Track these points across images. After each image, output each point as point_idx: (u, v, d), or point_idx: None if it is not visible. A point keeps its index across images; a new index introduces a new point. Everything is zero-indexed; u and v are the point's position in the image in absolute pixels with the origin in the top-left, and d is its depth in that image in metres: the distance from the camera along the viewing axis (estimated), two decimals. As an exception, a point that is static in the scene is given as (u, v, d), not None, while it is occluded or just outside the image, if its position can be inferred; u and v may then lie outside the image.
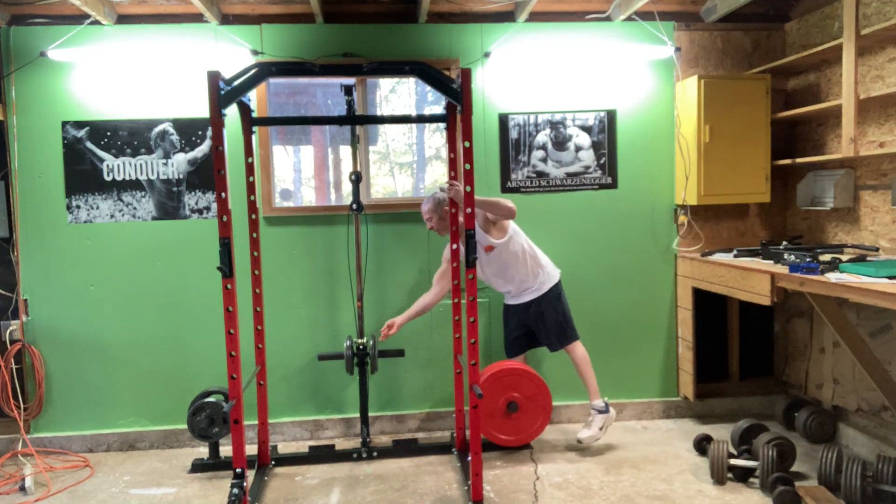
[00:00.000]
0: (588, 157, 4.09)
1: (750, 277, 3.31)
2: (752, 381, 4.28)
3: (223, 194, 2.76)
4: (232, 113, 3.30)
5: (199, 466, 3.58)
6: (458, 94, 2.91)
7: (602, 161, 4.09)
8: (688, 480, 3.32)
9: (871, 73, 3.49)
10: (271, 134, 3.98)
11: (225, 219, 2.77)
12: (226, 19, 3.86)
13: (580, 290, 4.06)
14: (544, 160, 4.06)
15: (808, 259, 3.13)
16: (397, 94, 4.97)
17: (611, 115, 4.07)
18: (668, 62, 4.07)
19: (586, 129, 4.07)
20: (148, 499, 3.29)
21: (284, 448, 3.83)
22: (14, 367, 3.77)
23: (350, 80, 3.62)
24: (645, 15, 3.92)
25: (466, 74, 2.85)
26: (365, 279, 3.89)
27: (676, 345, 4.18)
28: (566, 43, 3.99)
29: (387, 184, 5.33)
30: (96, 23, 3.70)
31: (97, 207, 3.84)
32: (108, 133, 3.82)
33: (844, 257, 3.21)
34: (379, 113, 4.70)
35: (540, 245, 3.79)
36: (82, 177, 3.82)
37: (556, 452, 3.71)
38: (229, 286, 2.83)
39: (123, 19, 3.80)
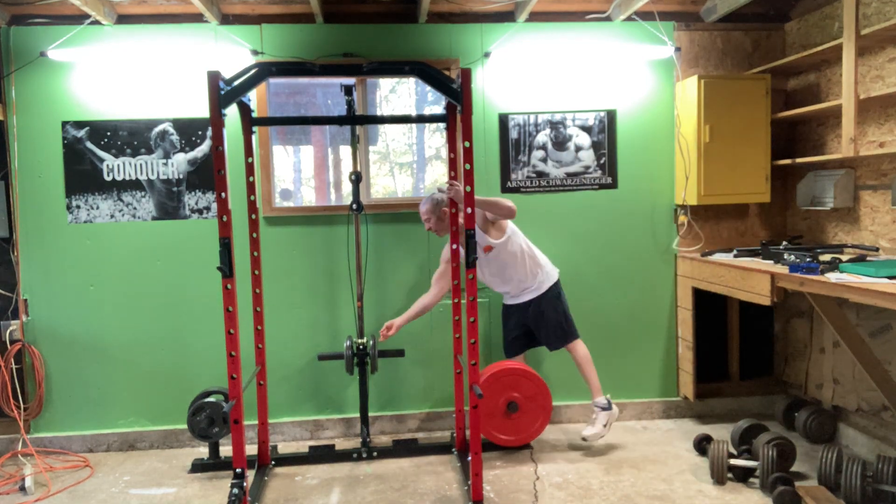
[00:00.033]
0: (588, 157, 4.09)
1: (750, 277, 3.31)
2: (752, 381, 4.28)
3: (223, 194, 2.76)
4: (232, 113, 3.30)
5: (199, 466, 3.58)
6: (458, 94, 2.91)
7: (602, 161, 4.09)
8: (688, 480, 3.32)
9: (871, 73, 3.49)
10: (271, 134, 3.98)
11: (225, 219, 2.77)
12: (226, 19, 3.86)
13: (580, 291, 4.06)
14: (544, 160, 4.06)
15: (808, 259, 3.13)
16: (397, 94, 4.98)
17: (611, 115, 4.07)
18: (668, 62, 4.08)
19: (586, 129, 4.07)
20: (148, 499, 3.29)
21: (284, 448, 3.83)
22: (14, 367, 3.77)
23: (350, 80, 3.62)
24: (645, 15, 3.92)
25: (466, 74, 2.85)
26: (365, 279, 3.89)
27: (676, 345, 4.18)
28: (566, 43, 3.99)
29: (387, 184, 5.34)
30: (96, 23, 3.70)
31: (97, 207, 3.84)
32: (108, 133, 3.82)
33: (844, 257, 3.21)
34: (379, 113, 4.70)
35: (540, 245, 3.79)
36: (82, 177, 3.82)
37: (556, 452, 3.71)
38: (229, 286, 2.83)
39: (123, 19, 3.80)
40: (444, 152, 3.95)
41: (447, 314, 3.85)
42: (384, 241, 4.00)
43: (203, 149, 3.88)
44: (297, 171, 4.93)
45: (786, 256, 3.31)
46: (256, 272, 3.45)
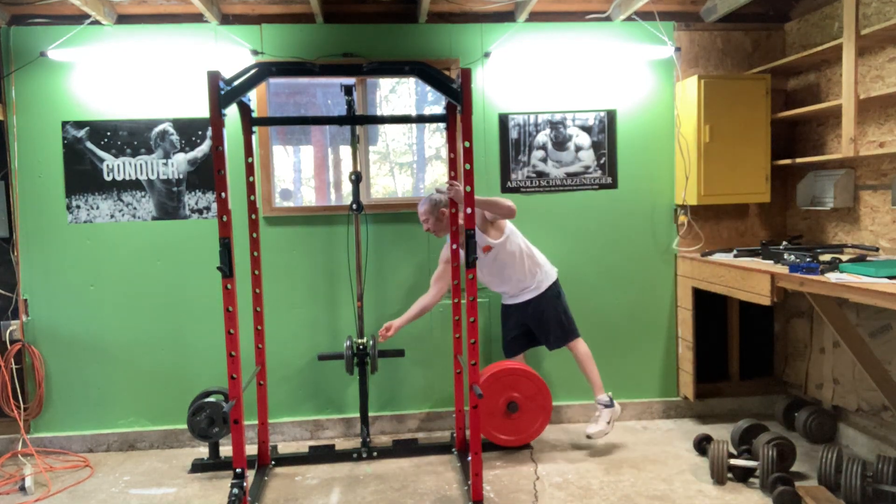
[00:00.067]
0: (588, 157, 4.09)
1: (750, 277, 3.31)
2: (752, 381, 4.28)
3: (223, 194, 2.76)
4: (232, 113, 3.30)
5: (199, 466, 3.58)
6: (458, 94, 2.91)
7: (602, 161, 4.09)
8: (688, 480, 3.32)
9: (871, 73, 3.49)
10: (271, 134, 3.98)
11: (225, 219, 2.77)
12: (226, 19, 3.86)
13: (580, 291, 4.06)
14: (544, 160, 4.06)
15: (808, 259, 3.13)
16: (397, 94, 4.98)
17: (611, 115, 4.07)
18: (668, 62, 4.07)
19: (586, 129, 4.07)
20: (148, 499, 3.29)
21: (284, 448, 3.83)
22: (14, 367, 3.77)
23: (350, 80, 3.62)
24: (645, 15, 3.92)
25: (466, 74, 2.85)
26: (365, 279, 3.89)
27: (676, 345, 4.18)
28: (566, 43, 3.99)
29: (387, 184, 5.34)
30: (96, 23, 3.70)
31: (97, 207, 3.84)
32: (108, 133, 3.82)
33: (844, 257, 3.21)
34: (379, 113, 4.70)
35: (540, 245, 3.79)
36: (82, 177, 3.82)
37: (556, 452, 3.71)
38: (229, 286, 2.83)
39: (123, 19, 3.80)
40: (444, 152, 3.95)
41: (447, 314, 3.85)
42: (384, 241, 4.00)
43: (203, 149, 3.88)
44: (297, 171, 4.93)
45: (786, 256, 3.31)
46: (256, 272, 3.45)
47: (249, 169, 3.38)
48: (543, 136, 4.05)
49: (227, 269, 2.79)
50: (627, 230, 4.13)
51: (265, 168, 3.90)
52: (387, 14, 3.96)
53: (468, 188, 2.87)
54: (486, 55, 3.96)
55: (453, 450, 3.69)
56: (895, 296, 2.50)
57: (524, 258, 3.65)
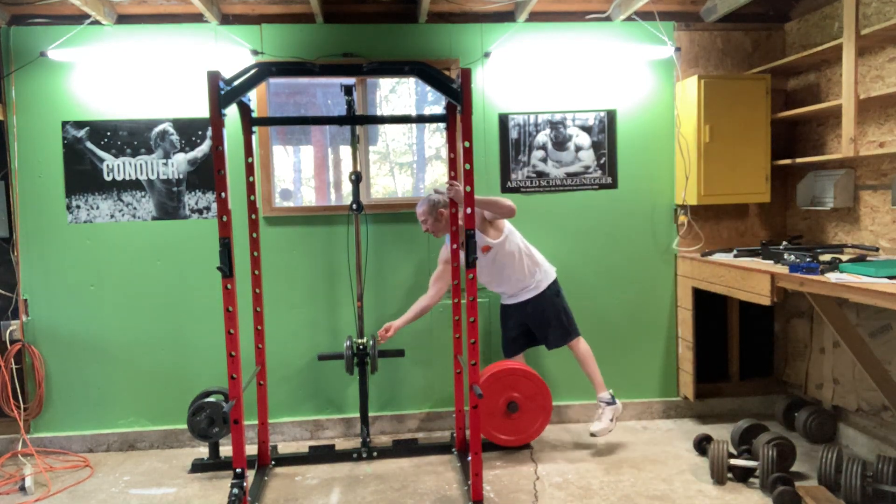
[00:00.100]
0: (588, 157, 4.09)
1: (750, 277, 3.31)
2: (752, 381, 4.28)
3: (223, 194, 2.76)
4: (232, 113, 3.30)
5: (199, 466, 3.58)
6: (458, 94, 2.91)
7: (602, 161, 4.09)
8: (688, 480, 3.32)
9: (871, 73, 3.49)
10: (271, 134, 3.98)
11: (225, 219, 2.77)
12: (226, 19, 3.86)
13: (580, 290, 4.06)
14: (544, 160, 4.06)
15: (808, 259, 3.13)
16: (397, 94, 4.98)
17: (611, 115, 4.07)
18: (668, 62, 4.07)
19: (586, 129, 4.07)
20: (148, 499, 3.29)
21: (284, 448, 3.83)
22: (14, 367, 3.77)
23: (350, 80, 3.62)
24: (645, 15, 3.92)
25: (466, 74, 2.85)
26: (365, 279, 3.89)
27: (676, 345, 4.18)
28: (566, 43, 3.99)
29: (387, 184, 5.34)
30: (96, 23, 3.70)
31: (97, 207, 3.84)
32: (108, 133, 3.82)
33: (844, 257, 3.21)
34: (379, 113, 4.70)
35: (540, 245, 3.79)
36: (82, 177, 3.82)
37: (556, 452, 3.71)
38: (229, 286, 2.83)
39: (123, 19, 3.80)
40: (444, 152, 3.95)
41: (447, 314, 3.85)
42: (384, 241, 4.00)
43: (203, 149, 3.88)
44: (297, 171, 4.93)
45: (786, 256, 3.31)
46: (256, 272, 3.45)
47: (249, 169, 3.38)
48: (543, 136, 4.05)
49: (227, 269, 2.79)
50: (627, 230, 4.13)
51: (265, 168, 3.90)
52: (387, 14, 3.96)
53: (468, 188, 2.87)
54: (486, 55, 3.96)
55: (453, 450, 3.69)
56: (895, 296, 2.50)
57: (523, 258, 3.65)
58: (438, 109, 4.29)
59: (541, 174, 4.06)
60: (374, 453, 3.67)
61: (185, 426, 3.68)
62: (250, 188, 3.38)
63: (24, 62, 3.73)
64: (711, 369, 4.23)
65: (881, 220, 3.49)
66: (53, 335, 3.84)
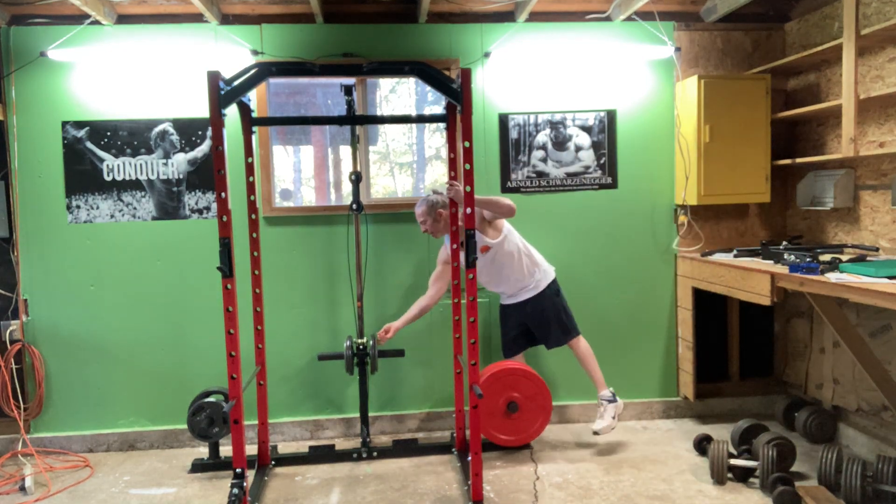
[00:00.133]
0: (588, 157, 4.09)
1: (750, 277, 3.31)
2: (752, 381, 4.28)
3: (223, 194, 2.76)
4: (232, 113, 3.30)
5: (199, 466, 3.58)
6: (458, 94, 2.91)
7: (602, 161, 4.09)
8: (688, 480, 3.32)
9: (871, 73, 3.49)
10: (271, 134, 3.98)
11: (225, 219, 2.77)
12: (226, 19, 3.86)
13: (580, 290, 4.06)
14: (544, 160, 4.06)
15: (808, 259, 3.13)
16: (397, 94, 4.98)
17: (611, 115, 4.07)
18: (668, 62, 4.07)
19: (586, 129, 4.07)
20: (148, 499, 3.29)
21: (284, 448, 3.83)
22: (14, 367, 3.77)
23: (350, 80, 3.62)
24: (645, 15, 3.92)
25: (466, 74, 2.85)
26: (365, 279, 3.89)
27: (676, 345, 4.18)
28: (566, 43, 3.99)
29: (387, 184, 5.34)
30: (96, 23, 3.70)
31: (97, 207, 3.84)
32: (108, 133, 3.82)
33: (844, 257, 3.21)
34: (379, 113, 4.70)
35: (540, 245, 3.80)
36: (82, 177, 3.82)
37: (556, 452, 3.71)
38: (229, 286, 2.83)
39: (123, 19, 3.80)
40: (444, 152, 3.95)
41: (447, 314, 3.85)
42: (384, 241, 4.00)
43: (203, 149, 3.88)
44: (297, 171, 4.93)
45: (786, 256, 3.31)
46: (256, 272, 3.45)
47: (249, 169, 3.38)
48: (543, 136, 4.05)
49: (227, 269, 2.79)
50: (627, 230, 4.13)
51: (265, 168, 3.90)
52: (387, 14, 3.96)
53: (468, 188, 2.87)
54: (486, 55, 3.96)
55: (453, 450, 3.69)
56: (895, 296, 2.50)
57: (522, 257, 3.65)
58: (438, 109, 4.30)
59: (541, 174, 4.06)
60: (374, 453, 3.67)
61: (185, 426, 3.68)
62: (250, 188, 3.38)
63: (24, 62, 3.73)
64: (711, 369, 4.23)
65: (881, 220, 3.49)
66: (53, 335, 3.84)
